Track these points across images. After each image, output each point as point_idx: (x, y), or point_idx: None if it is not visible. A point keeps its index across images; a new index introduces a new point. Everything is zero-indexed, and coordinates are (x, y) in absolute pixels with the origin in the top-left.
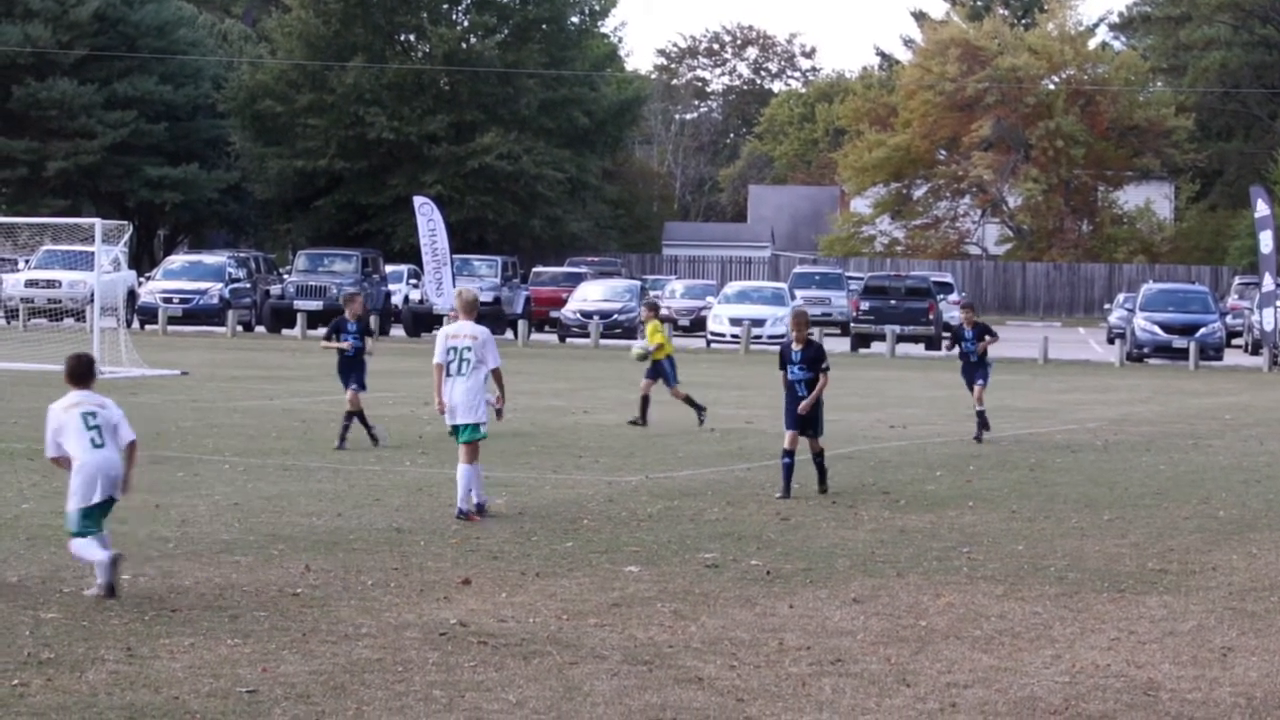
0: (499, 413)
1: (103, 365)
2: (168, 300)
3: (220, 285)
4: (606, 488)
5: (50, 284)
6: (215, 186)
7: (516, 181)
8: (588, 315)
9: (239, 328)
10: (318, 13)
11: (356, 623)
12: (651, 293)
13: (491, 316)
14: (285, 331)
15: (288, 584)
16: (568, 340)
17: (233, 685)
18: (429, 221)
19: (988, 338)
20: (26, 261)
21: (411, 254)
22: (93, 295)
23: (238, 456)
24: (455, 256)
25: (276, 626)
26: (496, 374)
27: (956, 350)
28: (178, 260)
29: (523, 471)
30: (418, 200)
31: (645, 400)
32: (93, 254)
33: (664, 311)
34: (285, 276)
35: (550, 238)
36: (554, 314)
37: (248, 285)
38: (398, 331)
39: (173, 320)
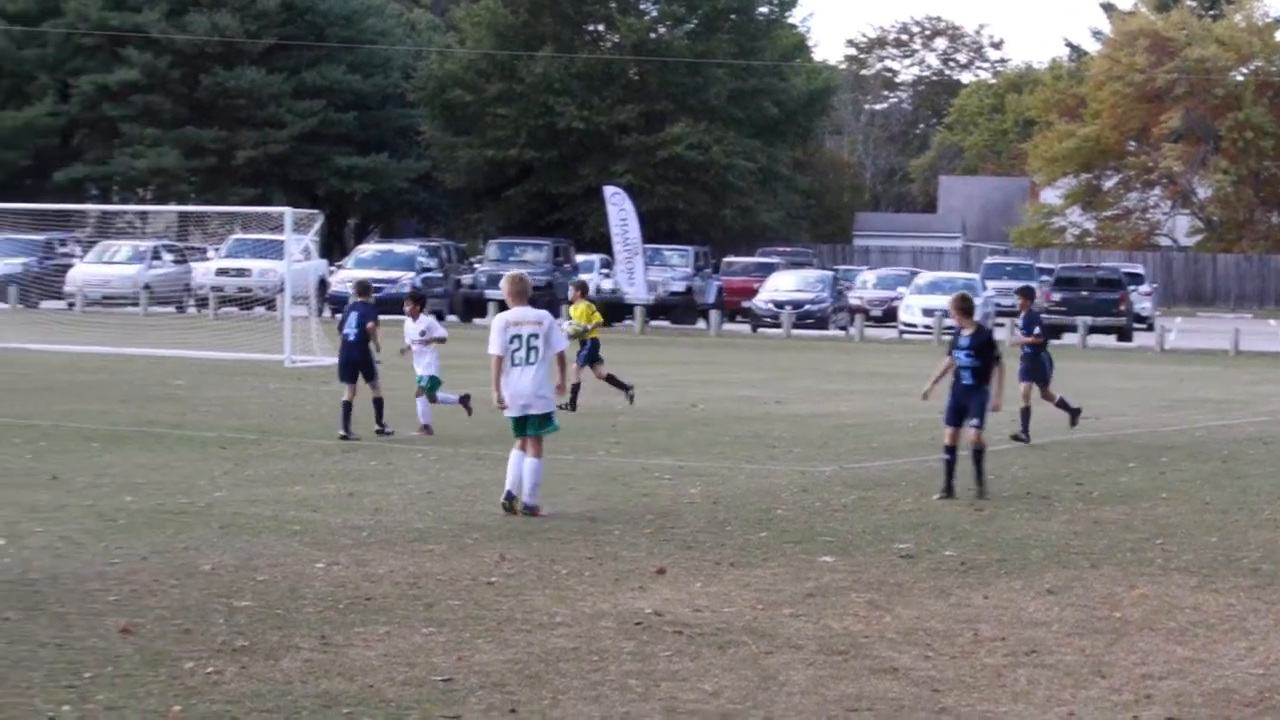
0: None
1: (294, 354)
2: None
3: (411, 274)
4: (800, 478)
5: (240, 273)
6: (405, 176)
7: (707, 171)
8: (780, 305)
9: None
10: (506, 2)
11: (551, 611)
12: (582, 274)
13: (683, 306)
14: (476, 320)
15: (482, 572)
16: (759, 330)
17: (428, 674)
18: (620, 211)
19: (1037, 330)
20: (216, 250)
21: (602, 243)
22: (283, 284)
23: (430, 445)
24: (647, 246)
25: (471, 615)
26: (560, 358)
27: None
28: (369, 249)
29: (717, 461)
30: (608, 190)
31: (611, 379)
32: (283, 243)
33: (855, 302)
34: (476, 266)
35: (741, 228)
36: (745, 304)
37: (439, 274)
38: None
39: None
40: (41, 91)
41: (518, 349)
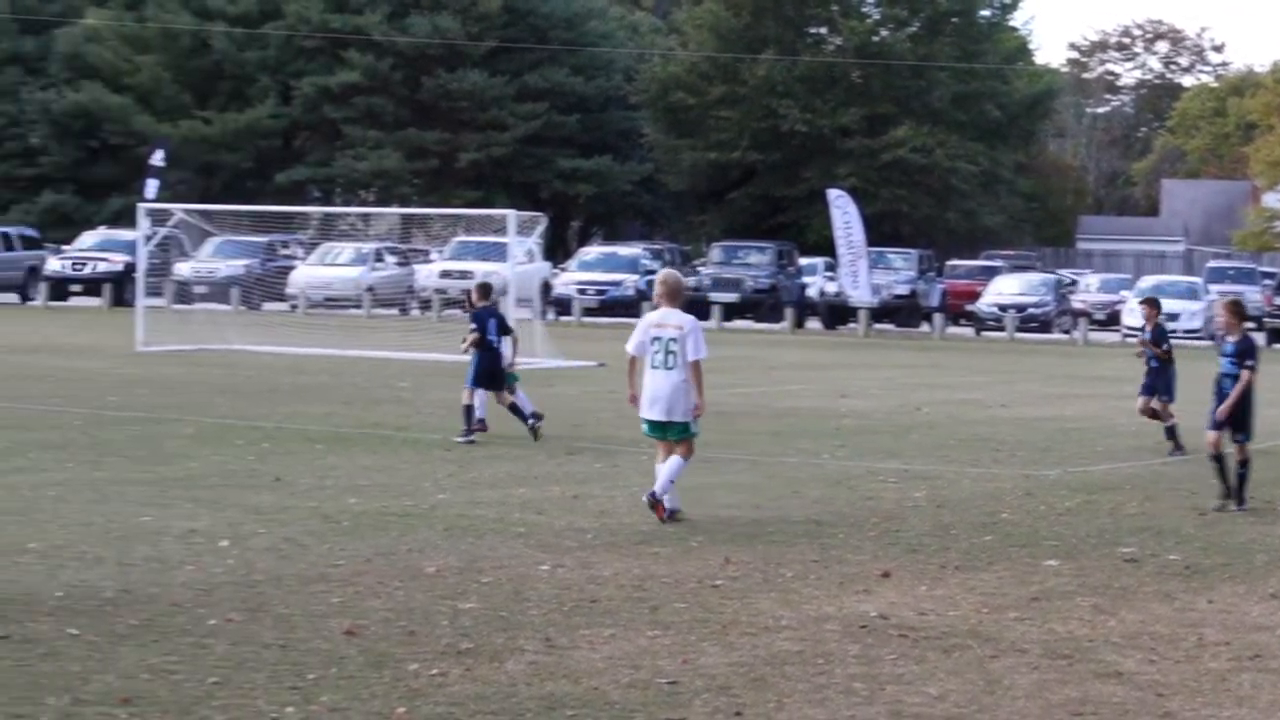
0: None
1: (518, 356)
2: (583, 291)
3: (635, 277)
4: (1024, 481)
5: (464, 275)
6: (628, 178)
7: (930, 174)
8: (1003, 309)
9: None
10: (728, 5)
11: (776, 615)
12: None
13: (907, 310)
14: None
15: (707, 575)
16: (983, 334)
17: (653, 676)
18: (843, 214)
19: (1165, 346)
20: (439, 252)
21: (826, 246)
22: (507, 287)
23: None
24: (870, 249)
25: (696, 618)
26: (696, 368)
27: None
28: (592, 251)
29: (941, 465)
30: (832, 193)
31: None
32: (506, 245)
33: (1079, 305)
34: (700, 269)
35: (965, 231)
36: (969, 307)
37: None
38: (814, 324)
39: (588, 311)
40: (263, 94)
41: (656, 351)
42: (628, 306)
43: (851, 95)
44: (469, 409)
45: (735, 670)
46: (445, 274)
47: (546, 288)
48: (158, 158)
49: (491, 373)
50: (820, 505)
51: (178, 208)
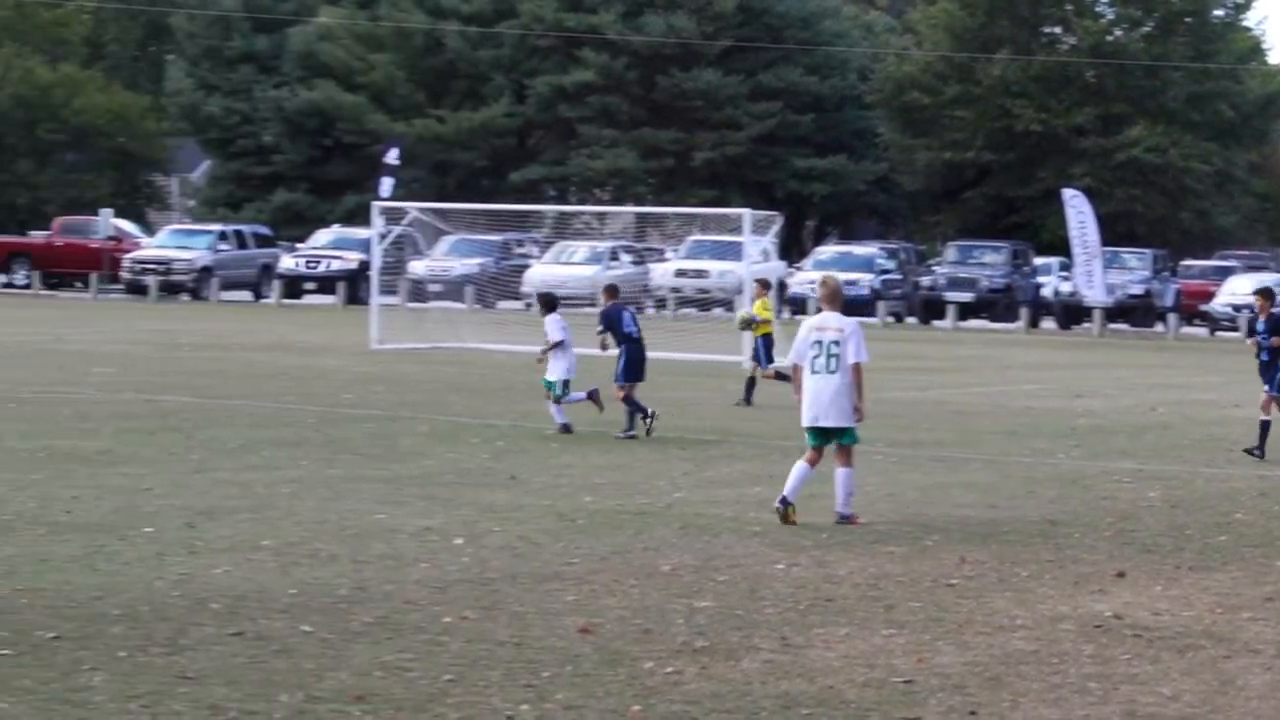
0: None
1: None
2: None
3: (870, 276)
4: (1259, 482)
5: (699, 274)
6: (863, 178)
7: (1164, 174)
8: (1237, 309)
9: (889, 318)
10: (963, 5)
11: (1011, 614)
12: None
13: (1142, 309)
14: (935, 322)
15: (942, 575)
16: (1217, 333)
17: (888, 675)
18: (1078, 214)
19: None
20: (675, 251)
21: (1060, 246)
22: (742, 286)
23: (890, 447)
24: (1105, 249)
25: (931, 617)
26: (858, 371)
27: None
28: (828, 251)
29: (1176, 465)
30: (1067, 193)
31: (750, 381)
32: (741, 244)
33: None
34: (934, 268)
35: (1199, 231)
36: (1203, 307)
37: (898, 276)
38: (1048, 324)
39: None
40: (497, 93)
41: (817, 355)
42: (863, 306)
43: (1086, 95)
44: (629, 400)
45: (970, 669)
46: (680, 273)
47: (782, 287)
48: (393, 156)
49: (637, 365)
50: (1055, 505)
51: (412, 206)
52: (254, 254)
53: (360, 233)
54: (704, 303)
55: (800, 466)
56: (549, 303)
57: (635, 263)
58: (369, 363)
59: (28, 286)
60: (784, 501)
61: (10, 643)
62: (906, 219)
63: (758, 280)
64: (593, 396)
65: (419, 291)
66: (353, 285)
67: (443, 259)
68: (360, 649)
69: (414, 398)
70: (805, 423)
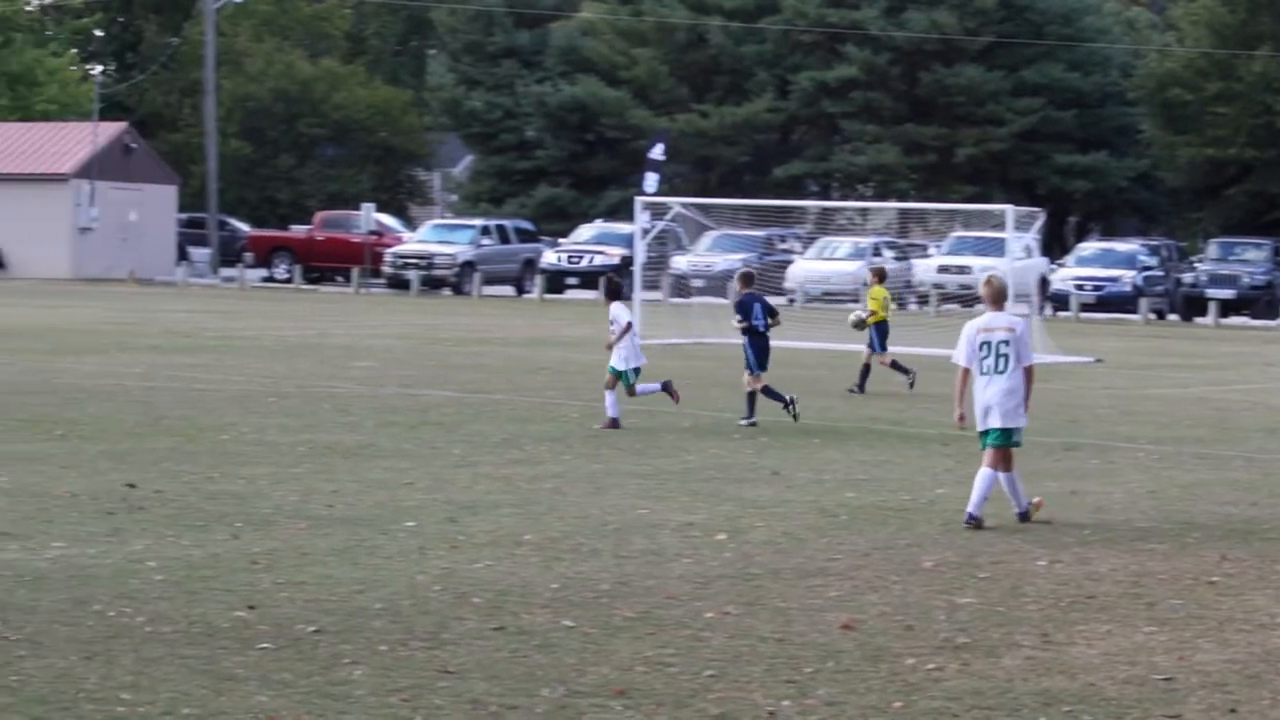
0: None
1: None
2: (1080, 287)
3: (1132, 273)
4: None
5: (961, 270)
6: (1124, 174)
7: None
8: None
9: (1151, 315)
10: (1224, 1)
11: (1271, 612)
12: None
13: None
14: (1198, 320)
15: (1203, 572)
16: None
17: (1148, 673)
18: None
19: None
20: (937, 247)
21: None
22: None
23: (1152, 444)
24: None
25: (1192, 614)
26: (1028, 373)
27: None
28: (1090, 247)
29: None
30: None
31: (865, 369)
32: (1004, 240)
33: None
34: (1196, 265)
35: None
36: None
37: (1160, 273)
38: None
39: (1085, 307)
40: (760, 88)
41: (986, 356)
42: (1125, 303)
43: None
44: (769, 390)
45: (1230, 667)
46: (943, 269)
47: (1044, 283)
48: (658, 151)
49: (762, 355)
50: None
51: (675, 201)
52: (516, 249)
53: (622, 228)
54: (966, 299)
55: (984, 473)
56: (614, 290)
57: (898, 258)
58: None
59: (289, 281)
60: (971, 518)
61: (271, 636)
62: (1168, 215)
63: (873, 269)
64: (666, 388)
65: (681, 286)
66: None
67: (705, 254)
68: (622, 644)
69: (682, 394)
70: (984, 425)
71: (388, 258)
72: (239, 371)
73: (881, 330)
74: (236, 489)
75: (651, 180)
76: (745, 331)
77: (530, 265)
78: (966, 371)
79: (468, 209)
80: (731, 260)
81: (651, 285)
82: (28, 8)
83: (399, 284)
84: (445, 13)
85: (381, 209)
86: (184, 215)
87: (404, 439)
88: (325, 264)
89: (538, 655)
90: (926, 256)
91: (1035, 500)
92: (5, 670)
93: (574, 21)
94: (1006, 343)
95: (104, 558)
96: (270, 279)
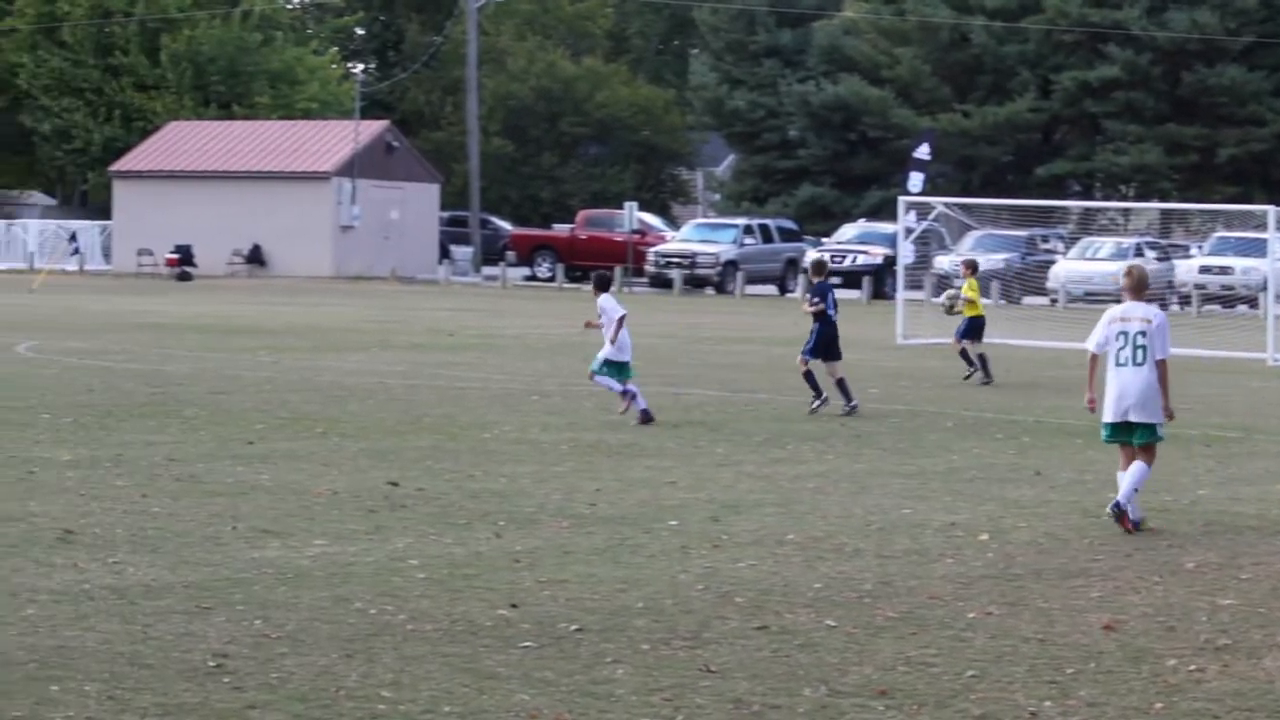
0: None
1: (1277, 352)
2: None
3: None
4: None
5: (1223, 270)
6: None
7: None
8: None
9: None
10: None
11: None
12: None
13: None
14: None
15: None
16: None
17: None
18: None
19: None
20: (1199, 248)
21: None
22: (1266, 282)
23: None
24: None
25: None
26: (1162, 367)
27: None
28: None
29: None
30: None
31: (981, 358)
32: (1266, 241)
33: None
34: None
35: None
36: None
37: None
38: None
39: None
40: (1022, 88)
41: (1122, 346)
42: None
43: None
44: (809, 377)
45: None
46: (1204, 269)
47: None
48: (923, 151)
49: (829, 344)
50: None
51: (938, 201)
52: (779, 248)
53: (886, 227)
54: (1228, 299)
55: (1137, 465)
56: (604, 282)
57: (1160, 259)
58: (894, 357)
59: (551, 279)
60: (1117, 507)
61: (534, 635)
62: None
63: (965, 262)
64: (628, 394)
65: (944, 286)
66: (878, 280)
67: (968, 254)
68: (884, 644)
69: (938, 393)
70: (1111, 417)
71: (651, 257)
72: (501, 370)
73: (975, 323)
74: (498, 487)
75: (916, 179)
76: (817, 316)
77: (793, 265)
78: (1095, 358)
79: (730, 208)
80: (994, 260)
81: (915, 285)
82: (289, 6)
83: (662, 283)
84: (707, 12)
85: (644, 208)
86: (446, 214)
87: (666, 438)
88: (588, 263)
89: (800, 655)
90: (1188, 257)
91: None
92: (267, 667)
93: (836, 20)
94: (1144, 334)
95: (365, 555)
96: (532, 277)
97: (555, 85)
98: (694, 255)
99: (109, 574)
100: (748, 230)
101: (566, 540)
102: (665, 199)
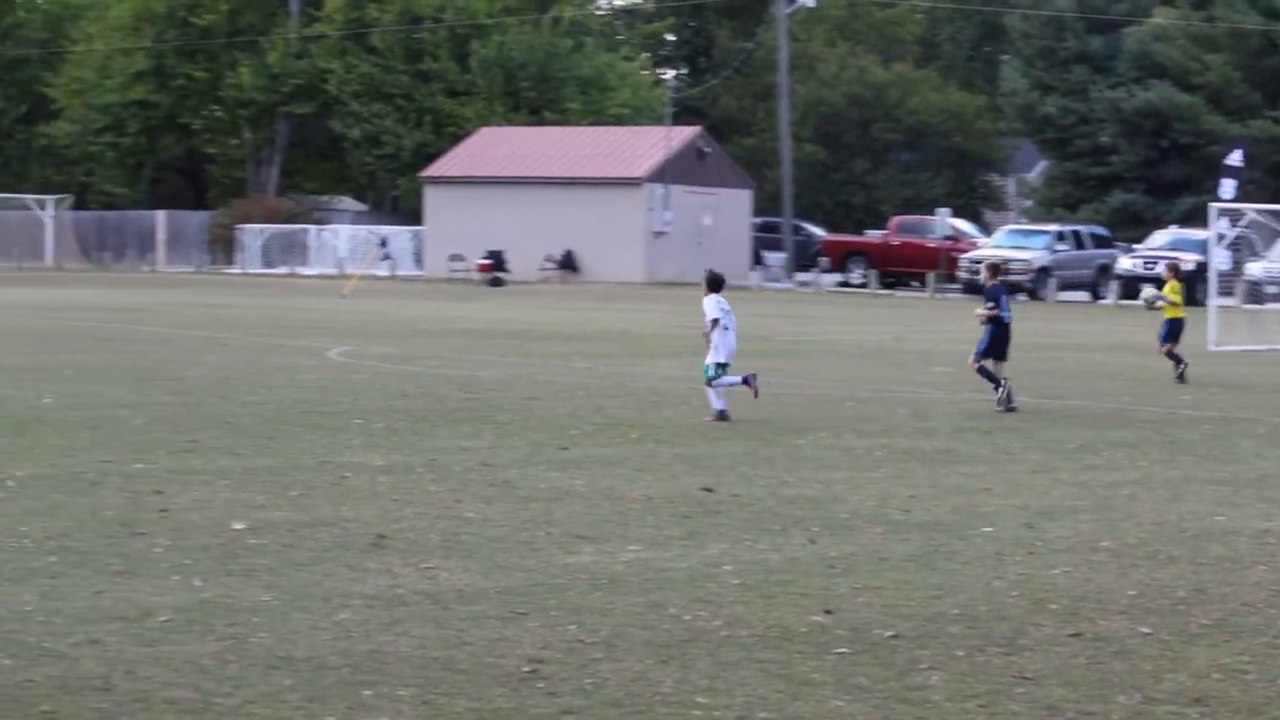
0: None
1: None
2: None
3: None
4: None
5: None
6: None
7: None
8: None
9: None
10: None
11: None
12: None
13: None
14: None
15: None
16: None
17: None
18: None
19: None
20: None
21: None
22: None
23: None
24: None
25: None
26: None
27: None
28: None
29: None
30: None
31: (1175, 356)
32: None
33: None
34: None
35: None
36: None
37: None
38: None
39: None
40: None
41: None
42: None
43: None
44: (984, 371)
45: None
46: None
47: None
48: (1235, 157)
49: (1001, 345)
50: None
51: (1249, 208)
52: (1091, 254)
53: (1197, 234)
54: None
55: None
56: (713, 283)
57: None
58: (1206, 364)
59: (864, 285)
60: None
61: (848, 641)
62: None
63: (1169, 265)
64: (748, 382)
65: (1256, 293)
66: (1189, 287)
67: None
68: (1198, 651)
69: (1251, 399)
70: None
71: (963, 263)
72: (814, 376)
73: (1175, 325)
74: (813, 493)
75: (1228, 186)
76: (990, 320)
77: (1105, 271)
78: None
79: (1042, 214)
80: None
81: (1226, 292)
82: (599, 12)
83: (974, 289)
84: (1018, 18)
85: (956, 214)
86: (758, 219)
87: (981, 444)
88: (900, 269)
89: (1114, 662)
90: None
91: None
92: (581, 673)
93: (1146, 27)
94: None
95: (679, 561)
96: (845, 283)
97: (866, 91)
98: (1006, 261)
99: (423, 579)
100: (1060, 236)
101: (881, 546)
102: (977, 205)
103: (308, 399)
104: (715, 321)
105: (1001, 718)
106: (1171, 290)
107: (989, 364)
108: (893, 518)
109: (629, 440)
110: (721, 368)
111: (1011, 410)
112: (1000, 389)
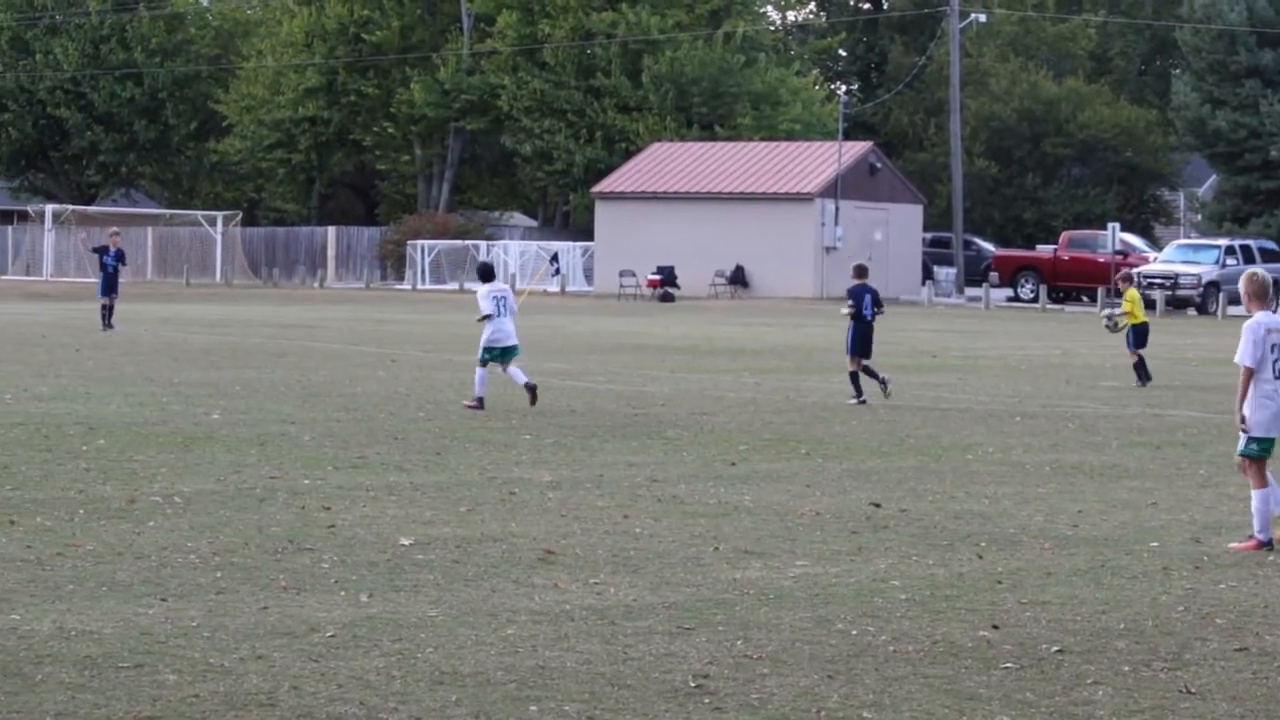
0: None
1: None
2: None
3: None
4: None
5: None
6: None
7: None
8: None
9: None
10: None
11: None
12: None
13: None
14: None
15: None
16: None
17: None
18: None
19: None
20: None
21: None
22: None
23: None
24: None
25: None
26: None
27: None
28: None
29: None
30: None
31: (1140, 362)
32: None
33: None
34: None
35: None
36: None
37: None
38: None
39: None
40: None
41: (1278, 359)
42: None
43: None
44: (867, 370)
45: None
46: None
47: None
48: None
49: (865, 342)
50: None
51: None
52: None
53: None
54: None
55: (1259, 494)
56: (484, 273)
57: None
58: None
59: (1034, 300)
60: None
61: (1014, 656)
62: None
63: (1121, 276)
64: (530, 389)
65: None
66: None
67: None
68: None
69: None
70: (1260, 433)
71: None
72: (983, 391)
73: (1140, 330)
74: (981, 508)
75: None
76: (852, 318)
77: (1276, 286)
78: (1250, 371)
79: (1211, 229)
80: None
81: None
82: (771, 28)
83: (1144, 304)
84: (1189, 33)
85: (1126, 229)
86: (929, 235)
87: (1149, 459)
88: (1070, 284)
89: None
90: None
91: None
92: (748, 688)
93: None
94: None
95: (847, 576)
96: (1015, 299)
97: (1038, 106)
98: (1176, 276)
99: (589, 594)
100: (1229, 251)
101: (1048, 561)
102: (1147, 219)
103: (476, 414)
104: (488, 316)
105: None
106: (1130, 300)
107: (869, 363)
108: (1060, 532)
109: (798, 455)
110: (486, 352)
111: (864, 404)
112: (857, 396)
